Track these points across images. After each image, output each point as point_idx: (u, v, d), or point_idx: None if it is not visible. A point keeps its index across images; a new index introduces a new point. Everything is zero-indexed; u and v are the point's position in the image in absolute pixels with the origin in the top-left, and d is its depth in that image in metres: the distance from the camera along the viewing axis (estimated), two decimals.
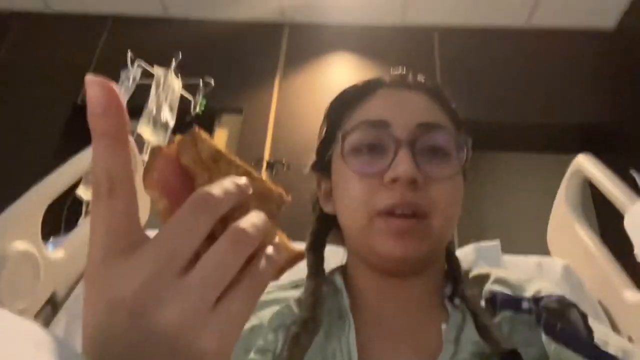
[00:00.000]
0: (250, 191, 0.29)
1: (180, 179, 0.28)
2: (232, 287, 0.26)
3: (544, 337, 0.50)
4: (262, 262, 0.27)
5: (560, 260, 1.16)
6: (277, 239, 0.30)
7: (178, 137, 0.29)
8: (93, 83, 0.25)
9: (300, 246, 0.33)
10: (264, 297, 0.61)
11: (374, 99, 0.60)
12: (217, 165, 0.29)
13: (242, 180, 0.28)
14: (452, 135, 0.57)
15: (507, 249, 1.19)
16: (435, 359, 0.49)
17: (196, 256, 0.25)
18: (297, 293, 0.61)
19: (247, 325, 0.56)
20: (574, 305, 0.53)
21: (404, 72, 0.64)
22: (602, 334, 0.52)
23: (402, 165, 0.51)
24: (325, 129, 0.65)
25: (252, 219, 0.27)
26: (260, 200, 0.30)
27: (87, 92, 0.25)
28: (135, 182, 0.26)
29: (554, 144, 2.44)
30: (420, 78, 0.63)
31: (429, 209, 0.52)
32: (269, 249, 0.28)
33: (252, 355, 0.52)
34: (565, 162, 1.26)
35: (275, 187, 0.31)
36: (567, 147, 2.26)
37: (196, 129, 0.29)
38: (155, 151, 0.29)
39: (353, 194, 0.55)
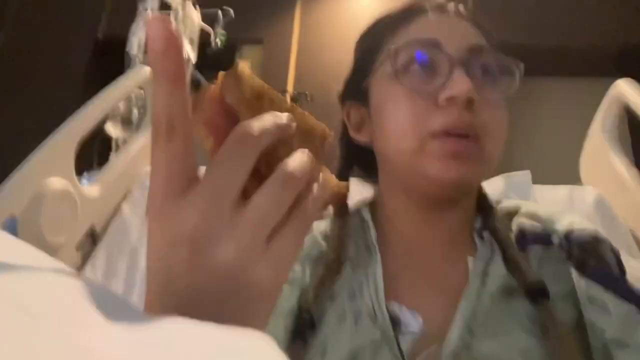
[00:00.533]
0: (293, 127, 0.29)
1: (225, 118, 0.28)
2: (281, 225, 0.27)
3: (574, 272, 0.50)
4: (309, 201, 0.28)
5: (593, 190, 1.14)
6: (321, 176, 0.30)
7: (221, 75, 0.29)
8: (155, 21, 0.25)
9: (344, 182, 0.33)
10: None
11: (419, 22, 0.57)
12: (261, 103, 0.29)
13: (284, 116, 0.28)
14: (501, 58, 0.55)
15: (539, 179, 1.17)
16: (461, 292, 0.50)
17: (244, 192, 0.26)
18: (323, 224, 0.61)
19: None
20: (606, 242, 0.52)
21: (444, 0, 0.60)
22: (634, 269, 0.51)
23: (460, 83, 0.49)
24: (360, 54, 0.62)
25: (299, 159, 0.28)
26: (304, 136, 0.30)
27: (148, 30, 0.26)
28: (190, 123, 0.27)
29: (591, 68, 2.32)
30: (461, 7, 0.60)
31: (482, 132, 0.50)
32: (314, 188, 0.29)
33: None
34: (602, 88, 1.20)
35: (319, 123, 0.31)
36: (605, 71, 2.15)
37: (239, 66, 0.29)
38: (202, 90, 0.29)
39: (403, 116, 0.53)
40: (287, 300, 0.52)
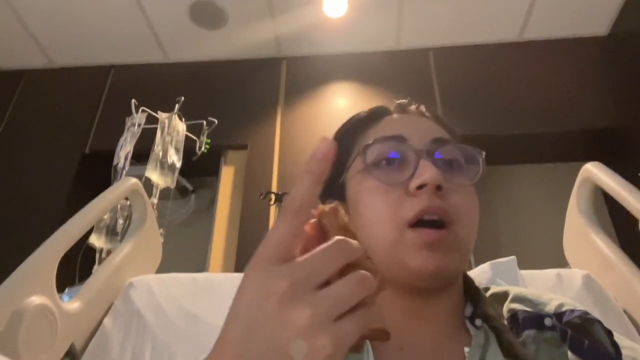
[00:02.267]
0: (366, 261, 0.35)
1: (316, 234, 0.36)
2: (348, 314, 0.31)
3: (570, 355, 0.49)
4: (369, 309, 0.33)
5: (580, 271, 1.14)
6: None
7: (322, 207, 0.37)
8: (325, 140, 0.34)
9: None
10: None
11: (385, 121, 0.63)
12: (345, 235, 0.35)
13: (355, 245, 0.34)
14: (465, 149, 0.59)
15: (525, 263, 1.17)
16: None
17: (327, 284, 0.32)
18: None
19: None
20: (597, 321, 0.52)
21: (408, 101, 0.67)
22: (629, 349, 0.51)
23: (427, 171, 0.53)
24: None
25: (370, 274, 0.33)
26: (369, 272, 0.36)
27: (320, 144, 0.34)
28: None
29: (560, 153, 2.44)
30: (423, 107, 0.66)
31: (454, 217, 0.53)
32: (373, 305, 0.34)
33: None
34: (574, 170, 1.25)
35: (378, 271, 0.36)
36: (573, 154, 2.26)
37: (338, 206, 0.38)
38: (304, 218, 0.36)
39: (379, 208, 0.55)
40: None
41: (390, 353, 0.54)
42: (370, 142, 0.59)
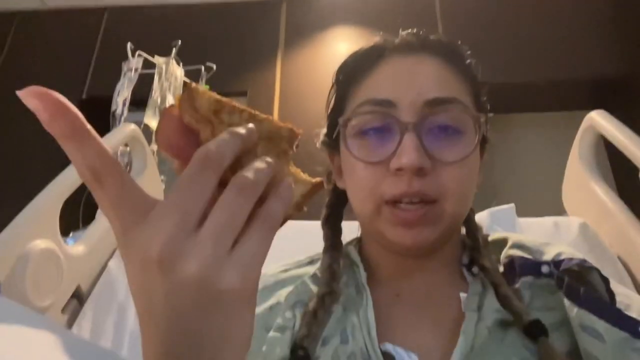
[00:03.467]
0: (253, 137, 0.30)
1: (185, 137, 0.30)
2: (245, 230, 0.28)
3: (565, 301, 0.50)
4: (272, 202, 0.29)
5: (577, 219, 1.15)
6: (290, 176, 0.32)
7: (177, 97, 0.30)
8: (27, 96, 0.27)
9: (318, 177, 0.33)
10: (282, 275, 0.61)
11: (380, 70, 0.56)
12: (219, 117, 0.30)
13: (241, 129, 0.30)
14: (465, 109, 0.53)
15: (523, 212, 1.18)
16: (457, 328, 0.49)
17: (210, 208, 0.28)
18: (313, 269, 0.61)
19: (266, 305, 0.57)
20: (595, 269, 0.52)
21: (414, 33, 0.58)
22: (624, 296, 0.51)
23: (407, 153, 0.48)
24: (332, 102, 0.62)
25: (255, 165, 0.29)
26: (270, 140, 0.31)
27: (27, 104, 0.27)
28: (120, 165, 0.29)
29: (566, 102, 2.40)
30: (434, 37, 0.58)
31: (439, 195, 0.50)
32: (279, 188, 0.30)
33: (271, 333, 0.53)
34: (578, 120, 1.24)
35: (285, 124, 0.32)
36: (579, 104, 2.22)
37: (192, 84, 0.30)
38: (162, 113, 0.30)
39: (359, 181, 0.53)
40: (279, 346, 0.51)
41: (387, 300, 0.55)
42: (354, 110, 0.54)
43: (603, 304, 0.48)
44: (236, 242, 0.28)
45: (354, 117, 0.54)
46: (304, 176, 0.33)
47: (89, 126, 0.28)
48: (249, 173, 0.28)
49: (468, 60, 0.59)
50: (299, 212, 0.32)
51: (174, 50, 2.01)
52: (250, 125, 0.30)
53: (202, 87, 0.30)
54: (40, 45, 2.61)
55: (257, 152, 0.30)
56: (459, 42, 0.60)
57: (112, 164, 0.28)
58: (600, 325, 0.46)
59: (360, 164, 0.53)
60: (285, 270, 0.63)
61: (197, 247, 0.26)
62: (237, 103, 0.31)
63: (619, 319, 0.46)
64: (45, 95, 0.27)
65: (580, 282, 0.50)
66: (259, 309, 0.55)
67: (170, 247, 0.26)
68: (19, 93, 0.27)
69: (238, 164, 0.29)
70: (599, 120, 1.13)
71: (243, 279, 0.27)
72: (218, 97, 0.30)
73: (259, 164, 0.29)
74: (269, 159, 0.30)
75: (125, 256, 0.28)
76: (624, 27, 2.32)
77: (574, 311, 0.48)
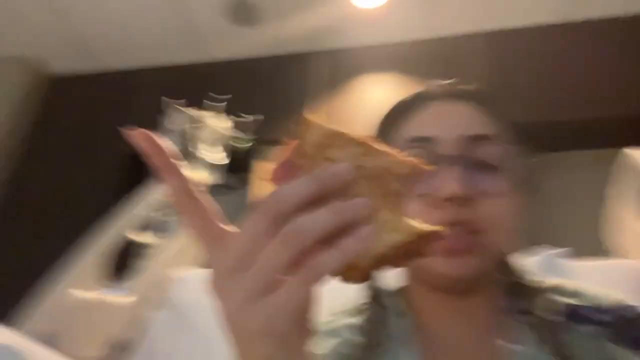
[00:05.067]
0: (339, 179, 0.28)
1: (288, 171, 0.30)
2: (288, 276, 0.28)
3: (629, 352, 0.47)
4: (326, 251, 0.28)
5: (637, 261, 1.08)
6: (384, 221, 0.29)
7: (286, 143, 0.30)
8: (132, 137, 0.33)
9: (434, 227, 0.30)
10: (328, 325, 0.60)
11: (419, 113, 0.58)
12: (326, 152, 0.29)
13: (329, 171, 0.29)
14: (502, 146, 0.54)
15: (577, 253, 1.12)
16: None
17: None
18: (356, 320, 0.59)
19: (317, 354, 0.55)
20: None
21: (451, 82, 0.62)
22: None
23: (451, 182, 0.49)
24: None
25: (316, 214, 0.28)
26: (378, 179, 0.29)
27: (134, 140, 0.32)
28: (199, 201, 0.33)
29: (607, 139, 2.31)
30: (468, 86, 0.61)
31: (483, 225, 0.50)
32: (348, 236, 0.28)
33: None
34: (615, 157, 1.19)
35: (407, 159, 0.29)
36: (626, 140, 2.14)
37: (304, 115, 0.29)
38: (277, 151, 0.31)
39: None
40: None
41: (432, 349, 0.53)
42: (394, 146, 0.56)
43: None
44: (272, 286, 0.28)
45: None
46: (415, 224, 0.29)
47: (177, 164, 0.33)
48: (299, 222, 0.28)
49: (503, 107, 0.60)
50: (383, 266, 0.29)
51: (222, 105, 2.09)
52: (345, 165, 0.28)
53: (318, 118, 0.29)
54: (85, 108, 2.77)
55: (356, 191, 0.28)
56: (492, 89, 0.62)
57: (192, 193, 0.32)
58: None
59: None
60: (331, 321, 0.61)
61: (236, 287, 0.29)
62: (358, 135, 0.29)
63: None
64: (143, 136, 0.32)
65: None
66: None
67: (224, 279, 0.30)
68: (130, 133, 0.33)
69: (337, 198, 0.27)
70: (636, 156, 1.08)
71: (266, 323, 0.29)
72: (335, 130, 0.29)
73: (323, 213, 0.28)
74: (339, 205, 0.28)
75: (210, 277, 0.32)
76: None
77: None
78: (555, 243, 1.15)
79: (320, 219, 0.28)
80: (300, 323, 0.32)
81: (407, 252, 0.29)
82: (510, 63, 2.45)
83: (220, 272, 0.30)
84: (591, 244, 1.26)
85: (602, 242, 1.25)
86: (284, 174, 0.30)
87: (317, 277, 0.28)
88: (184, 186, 0.32)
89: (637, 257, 1.08)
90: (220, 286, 0.30)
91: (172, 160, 0.33)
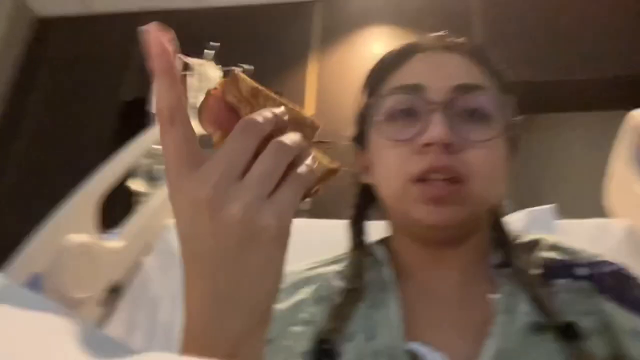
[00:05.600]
0: (286, 117, 0.34)
1: (227, 114, 0.35)
2: (280, 185, 0.32)
3: (608, 305, 0.48)
4: (301, 168, 0.33)
5: (623, 221, 1.10)
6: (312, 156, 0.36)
7: (221, 80, 0.35)
8: (149, 31, 0.33)
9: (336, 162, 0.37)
10: (307, 273, 0.61)
11: (410, 63, 0.58)
12: (257, 100, 0.35)
13: (278, 109, 0.34)
14: (492, 96, 0.54)
15: (565, 213, 1.14)
16: (485, 329, 0.48)
17: (248, 168, 0.32)
18: (339, 267, 0.60)
19: (292, 301, 0.57)
20: (634, 278, 0.50)
21: (443, 34, 0.61)
22: None
23: (435, 128, 0.50)
24: (363, 99, 0.64)
25: (289, 135, 0.33)
26: (295, 125, 0.35)
27: (145, 38, 0.33)
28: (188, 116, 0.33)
29: (607, 100, 2.30)
30: (460, 39, 0.60)
31: (466, 173, 0.50)
32: (306, 159, 0.34)
33: (296, 327, 0.53)
34: (619, 120, 1.18)
35: (308, 116, 0.37)
36: (619, 102, 2.12)
37: (236, 71, 0.35)
38: (206, 94, 0.35)
39: (388, 162, 0.54)
40: (304, 340, 0.51)
41: (414, 299, 0.54)
42: (384, 93, 0.57)
43: None
44: (273, 192, 0.32)
45: (383, 100, 0.56)
46: (323, 159, 0.37)
47: (177, 71, 0.33)
48: (284, 139, 0.33)
49: (494, 61, 0.60)
50: (315, 193, 0.36)
51: (211, 52, 2.04)
52: (283, 108, 0.34)
53: (243, 75, 0.35)
54: (82, 48, 2.71)
55: (286, 132, 0.34)
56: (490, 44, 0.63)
57: (185, 109, 0.33)
58: None
59: (388, 145, 0.54)
60: (311, 269, 0.63)
61: (241, 191, 0.30)
62: (271, 92, 0.36)
63: None
64: (161, 35, 0.33)
65: (631, 285, 0.49)
66: (284, 305, 0.55)
67: (217, 190, 0.30)
68: (145, 27, 0.33)
69: (271, 139, 0.33)
70: None
71: (279, 219, 0.31)
72: (256, 84, 0.35)
73: (292, 135, 0.33)
74: (299, 135, 0.34)
75: (175, 201, 0.32)
76: None
77: (621, 316, 0.46)
78: (545, 202, 1.16)
79: (296, 139, 0.33)
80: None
81: (319, 182, 0.36)
82: (505, 21, 2.39)
83: (215, 182, 0.30)
84: (590, 205, 1.27)
85: (600, 204, 1.26)
86: (226, 114, 0.35)
87: (305, 184, 0.33)
88: (178, 97, 0.32)
89: (636, 220, 1.09)
90: (216, 197, 0.30)
91: (173, 66, 0.33)
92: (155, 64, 0.32)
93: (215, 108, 0.35)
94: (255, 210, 0.30)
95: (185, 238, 0.32)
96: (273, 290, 0.32)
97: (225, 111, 0.35)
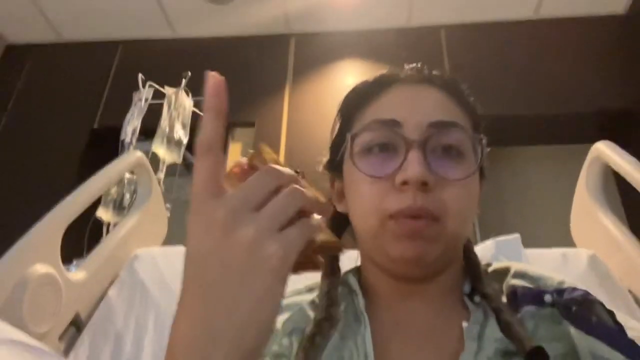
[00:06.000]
0: (298, 181, 0.37)
1: (249, 174, 0.38)
2: (291, 224, 0.34)
3: (573, 331, 0.48)
4: (309, 218, 0.36)
5: (586, 251, 1.13)
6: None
7: (250, 152, 0.41)
8: (213, 75, 0.37)
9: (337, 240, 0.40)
10: (286, 301, 0.60)
11: (386, 96, 0.59)
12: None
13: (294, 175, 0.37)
14: (467, 133, 0.55)
15: (530, 243, 1.16)
16: (457, 357, 0.48)
17: (265, 204, 0.34)
18: (311, 296, 0.60)
19: None
20: (599, 303, 0.51)
21: (418, 67, 0.62)
22: (633, 330, 0.49)
23: (412, 167, 0.50)
24: (337, 127, 0.64)
25: (299, 189, 0.36)
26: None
27: (208, 81, 0.37)
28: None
29: (570, 134, 2.39)
30: (436, 72, 0.61)
31: (441, 212, 0.51)
32: (313, 215, 0.37)
33: None
34: (583, 152, 1.23)
35: (320, 194, 0.39)
36: (584, 136, 2.21)
37: (262, 145, 0.41)
38: (235, 164, 0.41)
39: (364, 198, 0.54)
40: None
41: (386, 328, 0.54)
42: (360, 128, 0.56)
43: (616, 334, 0.47)
44: (282, 228, 0.34)
45: (360, 134, 0.56)
46: (329, 235, 0.40)
47: (224, 113, 0.37)
48: (299, 188, 0.36)
49: (467, 95, 0.61)
50: (316, 267, 0.40)
51: (183, 81, 2.05)
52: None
53: (268, 148, 0.41)
54: (55, 77, 2.68)
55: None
56: (461, 78, 0.63)
57: (221, 145, 0.36)
58: (615, 355, 0.45)
59: (364, 180, 0.54)
60: (286, 298, 0.62)
61: (255, 219, 0.33)
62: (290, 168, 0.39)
63: (633, 350, 0.45)
64: (221, 80, 0.37)
65: (591, 311, 0.49)
66: None
67: (233, 214, 0.33)
68: (210, 74, 0.37)
69: None
70: (605, 150, 1.12)
71: (284, 250, 0.32)
72: (276, 157, 0.41)
73: (306, 190, 0.36)
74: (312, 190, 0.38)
75: (192, 221, 0.34)
76: (631, 62, 2.33)
77: (583, 341, 0.47)
78: (511, 232, 1.19)
79: (308, 193, 0.36)
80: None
81: (310, 255, 0.39)
82: (471, 56, 2.49)
83: (233, 207, 0.33)
84: (556, 234, 1.31)
85: (565, 233, 1.30)
86: (247, 173, 0.39)
87: (311, 232, 0.35)
88: (220, 133, 0.36)
89: (601, 250, 1.12)
90: (230, 219, 0.33)
91: (223, 107, 0.37)
92: (210, 100, 0.36)
93: (242, 171, 0.40)
94: (265, 238, 0.32)
95: (191, 256, 0.33)
96: (265, 328, 0.32)
97: (251, 172, 0.38)
